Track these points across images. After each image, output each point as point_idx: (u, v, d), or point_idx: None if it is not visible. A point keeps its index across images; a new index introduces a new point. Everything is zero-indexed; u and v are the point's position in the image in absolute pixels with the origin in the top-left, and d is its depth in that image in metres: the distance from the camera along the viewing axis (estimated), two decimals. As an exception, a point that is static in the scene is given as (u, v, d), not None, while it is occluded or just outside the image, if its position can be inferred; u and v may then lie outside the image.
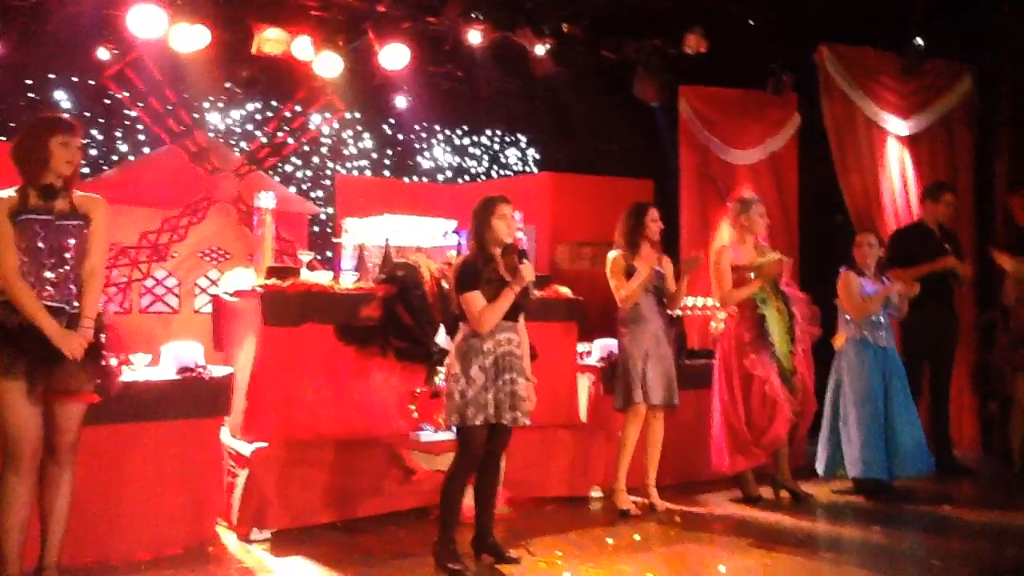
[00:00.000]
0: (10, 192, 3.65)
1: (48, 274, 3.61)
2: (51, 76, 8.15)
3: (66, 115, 3.88)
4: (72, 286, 3.68)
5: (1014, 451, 6.79)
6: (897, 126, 7.70)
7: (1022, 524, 5.21)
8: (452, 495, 4.24)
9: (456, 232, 5.95)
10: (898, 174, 7.71)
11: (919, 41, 7.49)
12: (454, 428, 4.26)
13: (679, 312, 6.33)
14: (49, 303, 3.60)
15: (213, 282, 7.62)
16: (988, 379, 7.54)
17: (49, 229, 3.63)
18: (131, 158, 8.45)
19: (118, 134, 8.52)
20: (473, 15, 6.92)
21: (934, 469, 6.02)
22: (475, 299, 4.16)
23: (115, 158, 8.46)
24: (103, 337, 3.75)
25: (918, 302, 6.12)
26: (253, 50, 6.91)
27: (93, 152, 8.39)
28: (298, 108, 7.98)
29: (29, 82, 8.05)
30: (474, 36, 7.10)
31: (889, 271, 6.31)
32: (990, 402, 7.58)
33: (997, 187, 7.78)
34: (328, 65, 7.23)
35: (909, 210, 7.60)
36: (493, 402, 4.13)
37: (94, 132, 8.41)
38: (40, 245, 3.61)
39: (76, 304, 3.67)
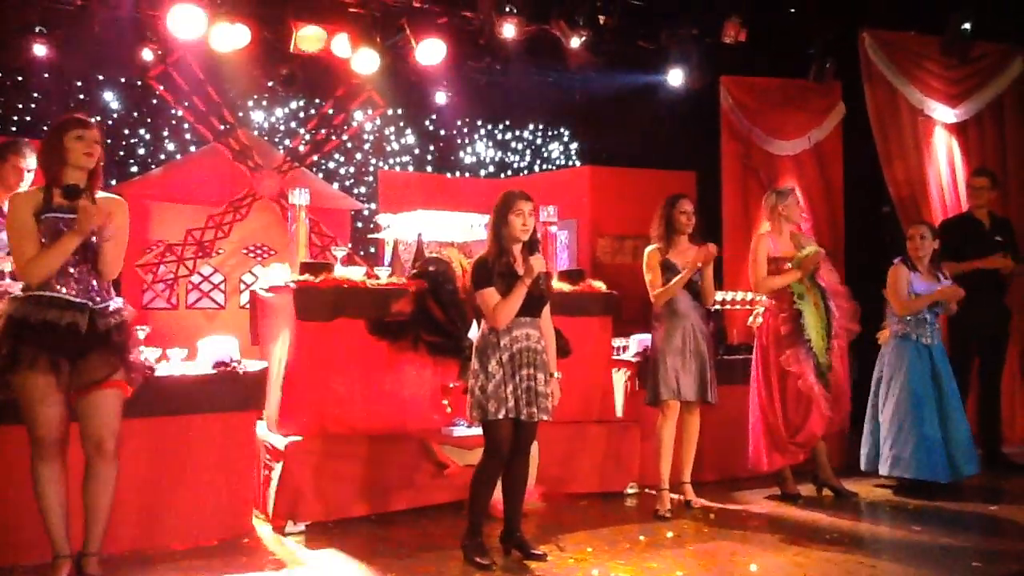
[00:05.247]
0: (36, 190, 3.77)
1: (71, 270, 3.71)
2: (99, 77, 8.33)
3: (80, 114, 3.96)
4: (94, 282, 3.77)
5: None
6: (944, 113, 7.50)
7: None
8: (480, 490, 4.26)
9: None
10: (946, 163, 7.51)
11: (967, 26, 7.26)
12: (478, 424, 4.26)
13: (717, 306, 6.24)
14: (72, 298, 3.69)
15: (258, 278, 7.73)
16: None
17: (72, 227, 3.70)
18: (178, 157, 8.61)
19: (164, 133, 8.67)
20: (507, 8, 6.88)
21: (979, 469, 5.86)
22: (489, 295, 4.17)
23: (163, 156, 8.61)
24: (123, 331, 3.80)
25: (967, 295, 5.95)
26: (291, 48, 6.98)
27: (141, 151, 8.56)
28: (339, 105, 8.05)
29: (79, 83, 8.25)
30: (508, 30, 7.07)
31: (941, 264, 6.16)
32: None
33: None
34: (366, 62, 7.27)
35: (958, 200, 7.40)
36: (512, 397, 4.13)
37: (141, 132, 8.58)
38: None
39: (98, 300, 3.75)
